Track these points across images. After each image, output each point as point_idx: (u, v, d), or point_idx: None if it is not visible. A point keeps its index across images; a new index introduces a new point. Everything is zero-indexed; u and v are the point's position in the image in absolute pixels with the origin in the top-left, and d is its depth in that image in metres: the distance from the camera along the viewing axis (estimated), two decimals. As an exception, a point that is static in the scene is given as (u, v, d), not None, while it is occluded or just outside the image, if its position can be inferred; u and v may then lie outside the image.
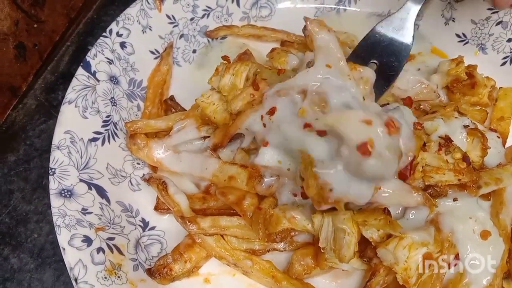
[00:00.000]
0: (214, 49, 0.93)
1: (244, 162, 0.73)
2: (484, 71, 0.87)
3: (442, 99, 0.85)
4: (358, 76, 0.68)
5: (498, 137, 0.81)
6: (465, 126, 0.74)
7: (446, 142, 0.68)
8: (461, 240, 0.65)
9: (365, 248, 0.64)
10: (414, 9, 0.81)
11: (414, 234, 0.61)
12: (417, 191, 0.61)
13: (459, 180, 0.65)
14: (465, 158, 0.66)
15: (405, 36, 0.81)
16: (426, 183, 0.65)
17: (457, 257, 0.65)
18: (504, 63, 0.89)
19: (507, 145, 0.82)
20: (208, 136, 0.77)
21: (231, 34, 0.93)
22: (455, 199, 0.67)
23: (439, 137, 0.69)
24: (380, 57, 0.80)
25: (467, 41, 0.92)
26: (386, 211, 0.62)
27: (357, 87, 0.65)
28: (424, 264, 0.61)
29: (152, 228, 0.74)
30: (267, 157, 0.66)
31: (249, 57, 0.83)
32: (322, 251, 0.64)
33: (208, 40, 0.93)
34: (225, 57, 0.78)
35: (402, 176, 0.62)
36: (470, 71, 0.82)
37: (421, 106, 0.81)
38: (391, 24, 0.82)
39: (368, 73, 0.69)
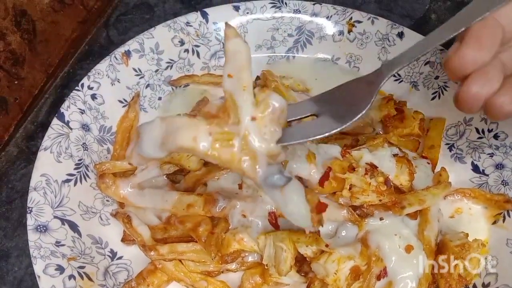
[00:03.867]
0: (178, 96, 1.03)
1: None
2: (418, 106, 0.98)
3: (380, 131, 0.97)
4: (261, 98, 0.57)
5: (428, 163, 0.92)
6: (394, 155, 0.85)
7: (371, 168, 0.78)
8: (387, 254, 0.74)
9: (303, 264, 0.74)
10: (383, 76, 0.67)
11: (341, 249, 0.71)
12: (344, 207, 0.72)
13: (380, 200, 0.75)
14: (386, 181, 0.77)
15: (363, 100, 0.66)
16: (353, 203, 0.75)
17: (385, 269, 0.74)
18: (434, 98, 1.00)
19: (437, 170, 0.93)
20: (169, 173, 0.87)
21: (192, 82, 1.04)
22: (381, 219, 0.77)
23: (366, 163, 0.79)
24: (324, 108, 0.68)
25: (401, 79, 1.04)
26: (314, 230, 0.73)
27: (252, 105, 0.55)
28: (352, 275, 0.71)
29: (120, 258, 0.83)
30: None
31: (205, 104, 0.94)
32: (266, 267, 0.74)
33: (172, 88, 1.04)
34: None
35: (321, 181, 0.75)
36: (400, 107, 0.94)
37: (358, 138, 0.92)
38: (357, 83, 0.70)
39: (275, 99, 0.57)
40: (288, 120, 0.63)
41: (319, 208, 0.67)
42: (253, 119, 0.55)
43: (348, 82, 0.70)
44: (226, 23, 0.60)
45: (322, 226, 0.69)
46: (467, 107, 0.61)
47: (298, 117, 0.67)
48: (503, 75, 0.60)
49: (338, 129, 0.63)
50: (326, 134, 0.62)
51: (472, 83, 0.59)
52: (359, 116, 0.63)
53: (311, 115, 0.67)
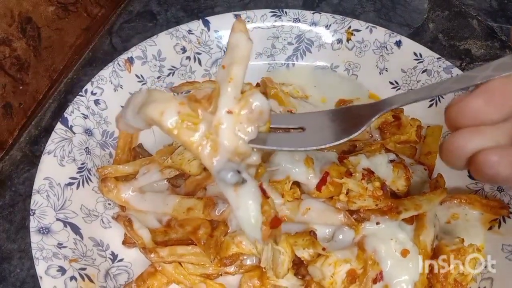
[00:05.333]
0: (179, 102, 1.05)
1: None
2: (415, 113, 1.00)
3: (377, 138, 0.98)
4: (247, 96, 0.55)
5: (425, 169, 0.93)
6: (391, 161, 0.87)
7: (368, 173, 0.80)
8: (383, 258, 0.75)
9: (300, 266, 0.75)
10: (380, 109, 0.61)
11: (338, 253, 0.72)
12: (340, 212, 0.74)
13: (376, 205, 0.76)
14: (383, 186, 0.78)
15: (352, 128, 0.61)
16: (350, 208, 0.77)
17: (381, 273, 0.75)
18: (431, 105, 1.02)
19: (433, 176, 0.94)
20: (170, 177, 0.89)
21: (193, 88, 1.05)
22: (378, 223, 0.78)
23: (363, 169, 0.81)
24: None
25: (399, 87, 1.06)
26: (311, 233, 0.74)
27: (234, 99, 0.54)
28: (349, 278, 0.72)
29: (121, 260, 0.84)
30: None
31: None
32: (264, 270, 0.75)
33: (174, 95, 1.05)
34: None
35: (319, 186, 0.76)
36: (397, 114, 0.95)
37: (356, 145, 0.94)
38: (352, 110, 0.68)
39: (256, 99, 0.55)
40: (274, 126, 0.62)
41: (273, 223, 0.63)
42: (229, 112, 0.54)
43: (346, 106, 0.67)
44: (238, 17, 0.59)
45: (277, 244, 0.67)
46: (449, 160, 0.52)
47: (284, 127, 0.65)
48: (507, 141, 0.49)
49: (315, 147, 0.61)
50: (301, 149, 0.61)
51: (460, 134, 0.50)
52: (342, 141, 0.60)
53: (298, 128, 0.65)
